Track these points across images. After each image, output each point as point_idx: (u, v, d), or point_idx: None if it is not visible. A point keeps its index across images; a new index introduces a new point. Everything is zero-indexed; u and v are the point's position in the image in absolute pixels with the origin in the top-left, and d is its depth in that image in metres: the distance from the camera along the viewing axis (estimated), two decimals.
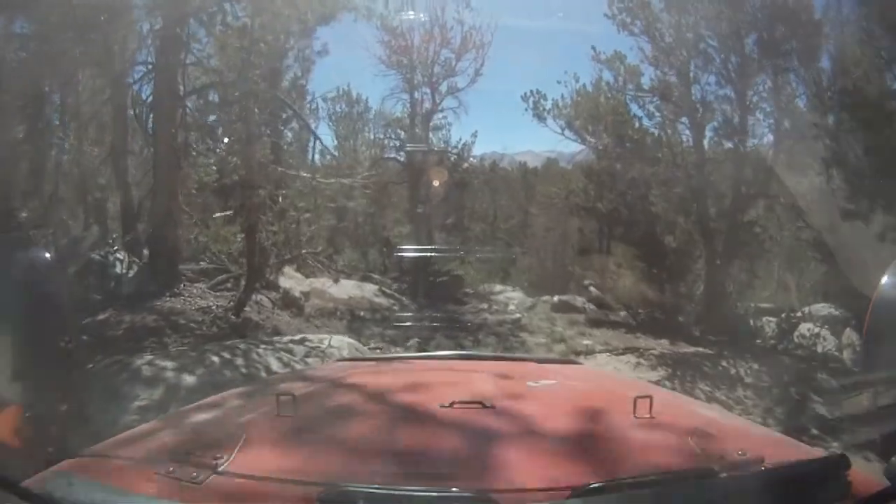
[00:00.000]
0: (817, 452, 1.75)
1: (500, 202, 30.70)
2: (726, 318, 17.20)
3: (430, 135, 22.57)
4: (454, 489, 1.42)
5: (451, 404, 2.04)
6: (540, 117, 19.10)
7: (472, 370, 3.02)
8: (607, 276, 20.29)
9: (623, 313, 19.10)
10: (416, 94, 21.99)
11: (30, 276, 1.74)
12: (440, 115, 22.47)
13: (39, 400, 1.66)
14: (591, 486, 1.40)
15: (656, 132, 18.74)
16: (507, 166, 32.16)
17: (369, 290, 18.96)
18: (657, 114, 18.74)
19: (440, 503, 1.40)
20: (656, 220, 18.73)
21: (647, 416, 1.93)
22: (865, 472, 1.55)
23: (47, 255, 1.82)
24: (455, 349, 12.82)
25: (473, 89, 21.79)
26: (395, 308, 17.82)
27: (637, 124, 18.83)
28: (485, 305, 19.92)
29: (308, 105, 22.62)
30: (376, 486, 1.42)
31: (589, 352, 14.38)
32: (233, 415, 2.08)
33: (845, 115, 15.81)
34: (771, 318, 18.02)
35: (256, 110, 13.22)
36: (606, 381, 3.36)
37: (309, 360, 8.66)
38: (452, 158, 23.50)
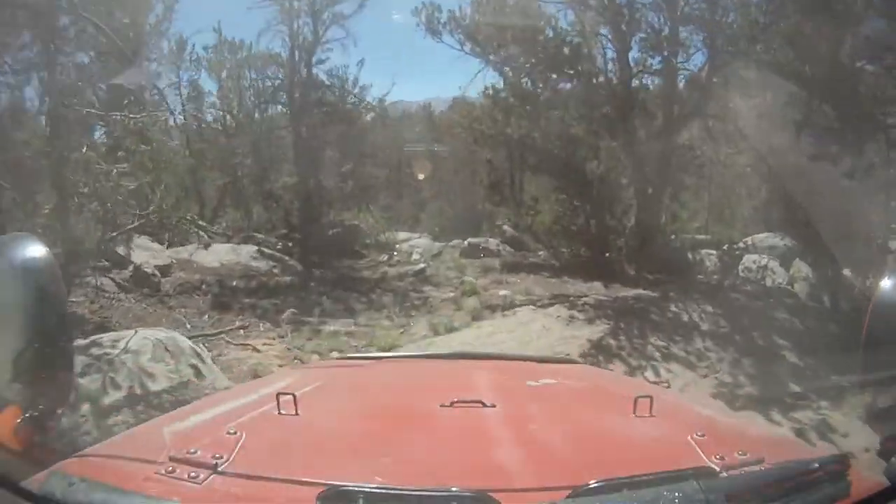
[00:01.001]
0: (817, 452, 1.77)
1: (404, 146, 28.95)
2: (662, 253, 16.08)
3: (317, 72, 19.76)
4: (454, 489, 1.41)
5: (452, 404, 2.04)
6: (434, 32, 17.04)
7: (472, 370, 3.06)
8: (523, 213, 18.52)
9: (543, 254, 17.62)
10: (297, 26, 18.89)
11: (29, 275, 1.74)
12: (326, 48, 19.51)
13: (39, 400, 1.65)
14: (591, 486, 1.40)
15: (574, 42, 16.19)
16: (412, 110, 30.78)
17: (247, 252, 16.46)
18: (575, 22, 16.50)
19: (440, 503, 1.40)
20: (576, 145, 16.56)
21: (647, 415, 1.94)
22: (865, 472, 1.56)
23: (46, 253, 1.78)
24: (344, 314, 12.32)
25: (363, 15, 19.86)
26: (276, 271, 15.67)
27: (551, 34, 16.34)
28: (385, 257, 18.37)
29: (171, 46, 20.76)
30: (376, 486, 1.42)
31: (508, 305, 12.66)
32: (233, 414, 2.06)
33: (785, 27, 15.27)
34: (711, 251, 17.26)
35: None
36: (606, 381, 3.39)
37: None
38: (348, 99, 20.97)
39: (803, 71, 15.67)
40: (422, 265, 16.69)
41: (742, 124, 17.70)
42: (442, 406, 2.04)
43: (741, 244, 17.48)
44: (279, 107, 21.46)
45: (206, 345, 9.77)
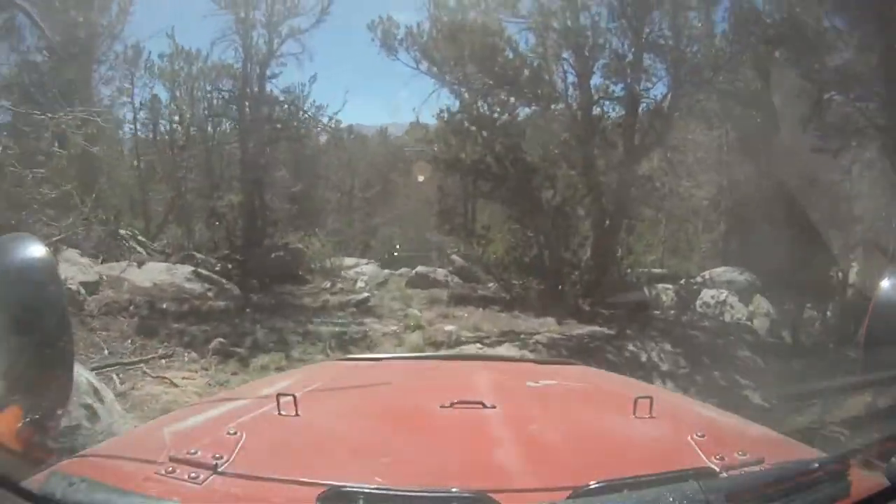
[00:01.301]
0: (817, 452, 1.75)
1: (358, 169, 28.27)
2: (618, 288, 15.57)
3: (270, 87, 18.85)
4: (454, 489, 1.41)
5: (452, 404, 2.04)
6: (390, 48, 16.30)
7: (472, 370, 3.07)
8: (473, 242, 17.21)
9: (494, 286, 16.65)
10: (252, 37, 18.02)
11: (29, 275, 1.74)
12: (280, 63, 18.65)
13: (39, 400, 1.63)
14: (591, 487, 1.40)
15: (534, 65, 15.67)
16: (370, 134, 29.70)
17: (182, 273, 15.28)
18: (536, 44, 15.88)
19: (440, 503, 1.40)
20: (532, 173, 15.78)
21: (647, 416, 1.94)
22: (865, 473, 1.56)
23: (46, 253, 1.78)
24: (277, 346, 11.59)
25: (320, 31, 18.44)
26: (210, 295, 14.49)
27: (511, 55, 15.69)
28: (328, 284, 17.36)
29: (124, 53, 19.55)
30: (376, 486, 1.42)
31: (453, 342, 11.80)
32: (233, 415, 2.06)
33: (750, 57, 15.17)
34: (668, 286, 16.81)
35: None
36: (606, 381, 3.38)
37: None
38: (300, 117, 20.18)
39: (768, 102, 15.61)
40: (365, 294, 15.79)
41: (702, 156, 18.02)
42: (442, 407, 2.04)
43: (699, 278, 17.10)
44: (229, 121, 20.43)
45: (121, 376, 9.31)
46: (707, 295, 15.82)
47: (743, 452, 1.67)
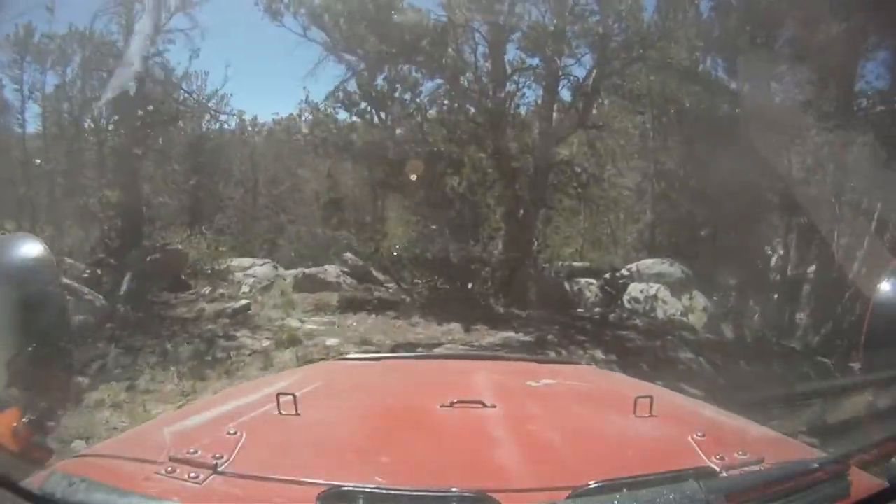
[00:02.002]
0: (817, 452, 1.77)
1: (263, 163, 25.63)
2: (535, 285, 14.44)
3: (153, 66, 16.37)
4: (454, 489, 1.42)
5: (452, 404, 2.05)
6: (275, 14, 13.99)
7: (472, 370, 3.07)
8: (366, 238, 15.40)
9: (393, 287, 14.70)
10: (137, 8, 15.74)
11: (29, 274, 1.74)
12: (167, 40, 16.38)
13: (39, 400, 1.64)
14: (591, 487, 1.41)
15: (438, 30, 13.64)
16: (274, 127, 24.88)
17: None
18: (441, 5, 13.80)
19: (440, 503, 1.41)
20: (436, 157, 14.12)
21: (647, 415, 1.95)
22: (865, 473, 1.57)
23: (46, 253, 1.78)
24: (126, 373, 9.57)
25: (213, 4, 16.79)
26: (68, 307, 11.95)
27: (411, 17, 13.59)
28: (208, 290, 14.94)
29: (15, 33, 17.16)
30: (376, 486, 1.43)
31: (340, 358, 9.04)
32: (233, 414, 2.07)
33: (688, 32, 14.35)
34: (591, 280, 15.62)
35: None
36: (606, 381, 3.40)
37: None
38: (190, 102, 18.16)
39: (707, 81, 14.82)
40: (244, 301, 13.62)
41: (629, 139, 17.20)
42: (442, 406, 2.05)
43: (625, 272, 15.70)
44: (106, 107, 17.29)
45: None
46: (635, 289, 14.75)
47: (743, 452, 1.67)
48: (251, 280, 15.81)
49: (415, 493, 1.41)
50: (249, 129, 24.05)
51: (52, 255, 1.79)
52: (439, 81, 15.05)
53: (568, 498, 1.40)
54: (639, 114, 16.90)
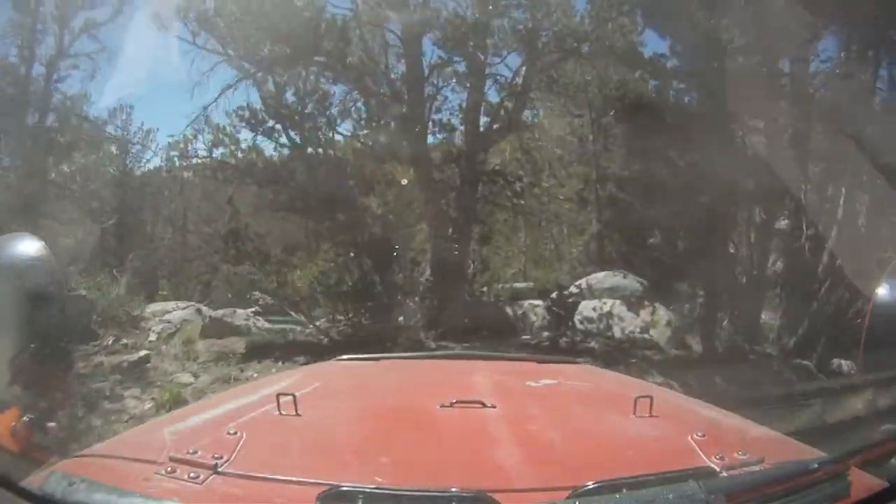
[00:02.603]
0: (817, 452, 1.77)
1: (191, 198, 22.39)
2: (472, 313, 12.67)
3: (56, 90, 15.03)
4: (454, 489, 1.42)
5: (452, 404, 2.06)
6: (162, 20, 12.92)
7: (472, 370, 3.08)
8: (270, 270, 13.14)
9: (310, 328, 12.84)
10: (39, 32, 14.31)
11: (29, 274, 1.75)
12: (69, 64, 14.94)
13: (39, 400, 1.67)
14: (591, 487, 1.41)
15: (341, 27, 12.15)
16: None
17: None
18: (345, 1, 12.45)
19: (440, 503, 1.41)
20: (347, 173, 13.00)
21: (647, 415, 1.96)
22: (865, 473, 1.57)
23: (47, 253, 1.80)
24: None
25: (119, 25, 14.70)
26: None
27: (308, 14, 11.94)
28: (111, 340, 12.64)
29: None
30: (376, 486, 1.44)
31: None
32: (233, 415, 2.08)
33: (623, 26, 13.44)
34: (535, 302, 14.21)
35: None
36: (606, 381, 3.38)
37: None
38: (104, 133, 17.12)
39: (652, 68, 13.68)
40: (144, 353, 11.95)
41: (568, 142, 16.26)
42: (442, 406, 2.06)
43: (573, 289, 14.19)
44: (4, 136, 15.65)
45: None
46: (587, 308, 13.38)
47: (743, 452, 1.67)
48: (160, 327, 13.94)
49: (415, 493, 1.42)
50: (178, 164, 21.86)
51: (52, 255, 1.79)
52: (348, 86, 13.54)
53: (568, 498, 1.40)
54: (576, 116, 15.94)
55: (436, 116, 13.59)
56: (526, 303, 14.24)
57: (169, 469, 1.54)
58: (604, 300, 13.32)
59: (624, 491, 1.39)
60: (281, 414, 1.92)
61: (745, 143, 12.97)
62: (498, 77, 13.79)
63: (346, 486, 1.40)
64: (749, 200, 12.96)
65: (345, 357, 3.56)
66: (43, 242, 1.76)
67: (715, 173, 11.33)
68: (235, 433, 1.74)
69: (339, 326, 12.49)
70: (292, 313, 13.17)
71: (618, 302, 13.20)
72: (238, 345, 12.11)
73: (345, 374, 3.09)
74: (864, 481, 1.53)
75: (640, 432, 1.91)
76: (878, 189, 11.50)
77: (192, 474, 1.52)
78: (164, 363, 11.76)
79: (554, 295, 13.91)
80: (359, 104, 13.94)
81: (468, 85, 13.49)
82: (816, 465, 1.52)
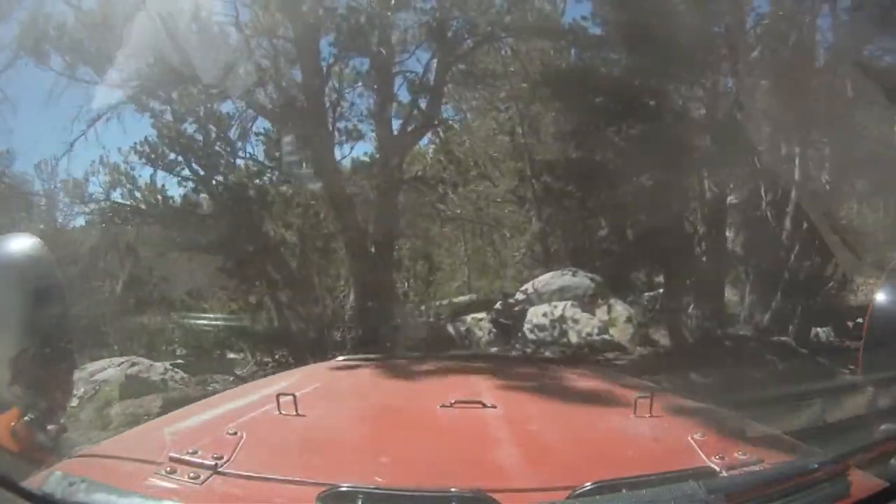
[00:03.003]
0: (817, 453, 1.77)
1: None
2: (408, 335, 11.37)
3: None
4: (454, 489, 1.44)
5: (452, 404, 2.08)
6: (40, 54, 11.17)
7: (472, 370, 3.10)
8: (183, 317, 12.17)
9: (232, 377, 11.07)
10: None
11: (30, 274, 1.76)
12: None
13: (39, 400, 1.67)
14: (591, 487, 1.43)
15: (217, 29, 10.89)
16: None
17: None
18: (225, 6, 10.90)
19: (440, 503, 1.43)
20: (249, 200, 11.50)
21: (647, 416, 1.97)
22: (865, 473, 1.57)
23: (47, 254, 1.83)
24: None
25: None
26: None
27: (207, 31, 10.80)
28: None
29: None
30: (376, 486, 1.45)
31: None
32: (233, 415, 2.08)
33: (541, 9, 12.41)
34: (479, 315, 12.78)
35: None
36: (607, 381, 3.34)
37: None
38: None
39: (587, 42, 12.03)
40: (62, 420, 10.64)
41: (498, 140, 15.03)
42: (442, 406, 2.07)
43: (519, 295, 12.89)
44: None
45: None
46: (536, 314, 12.00)
47: (743, 452, 1.68)
48: (83, 389, 11.88)
49: (415, 493, 1.43)
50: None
51: (53, 255, 1.83)
52: (238, 106, 12.07)
53: (568, 498, 1.41)
54: (502, 111, 14.95)
55: (341, 124, 12.04)
56: (469, 317, 13.08)
57: (169, 469, 1.55)
58: (554, 303, 12.07)
59: (624, 491, 1.41)
60: (281, 414, 1.93)
61: (686, 109, 11.79)
62: (408, 74, 12.17)
63: (346, 486, 1.41)
64: (699, 172, 11.95)
65: (345, 357, 3.58)
66: (43, 242, 1.79)
67: (658, 147, 10.43)
68: (235, 433, 1.75)
69: (266, 370, 10.70)
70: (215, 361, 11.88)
71: (569, 303, 12.00)
72: (154, 403, 10.84)
73: (345, 375, 3.10)
74: (864, 481, 1.52)
75: (640, 432, 1.92)
76: (835, 143, 11.14)
77: (192, 474, 1.52)
78: (76, 433, 9.85)
79: (498, 305, 12.87)
80: (258, 123, 12.37)
81: (375, 87, 11.98)
82: (816, 465, 1.52)
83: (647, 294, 13.47)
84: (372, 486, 1.43)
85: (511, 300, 12.72)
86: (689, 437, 1.78)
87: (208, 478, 1.52)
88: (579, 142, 12.22)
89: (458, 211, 14.61)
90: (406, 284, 13.39)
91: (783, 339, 10.99)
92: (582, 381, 3.08)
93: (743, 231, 12.84)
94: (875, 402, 1.83)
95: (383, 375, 3.06)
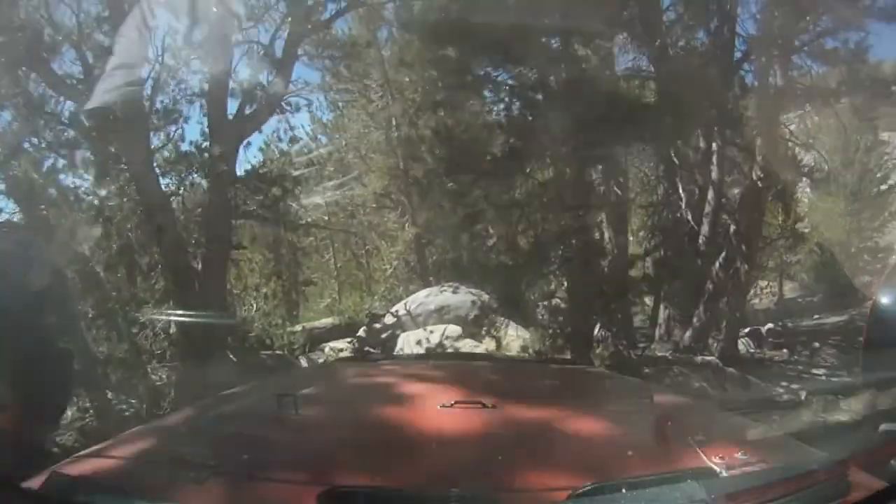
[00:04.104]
0: (817, 452, 1.79)
1: None
2: (242, 376, 7.44)
3: None
4: (454, 489, 1.44)
5: (452, 404, 2.07)
6: None
7: (472, 370, 3.14)
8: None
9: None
10: None
11: (30, 276, 1.75)
12: None
13: (39, 400, 1.72)
14: (591, 487, 1.43)
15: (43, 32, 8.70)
16: None
17: None
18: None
19: (440, 503, 1.43)
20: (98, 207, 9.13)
21: (647, 416, 2.00)
22: (865, 473, 1.58)
23: (47, 255, 1.87)
24: None
25: None
26: None
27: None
28: None
29: None
30: (376, 486, 1.46)
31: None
32: (233, 415, 2.10)
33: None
34: (338, 345, 10.85)
35: None
36: (607, 381, 3.43)
37: None
38: None
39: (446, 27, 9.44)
40: None
41: (368, 134, 13.40)
42: (442, 406, 2.07)
43: (388, 318, 11.10)
44: None
45: None
46: (409, 340, 9.96)
47: (743, 452, 1.67)
48: None
49: (415, 494, 1.44)
50: None
51: (54, 255, 1.86)
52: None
53: (568, 498, 1.40)
54: (371, 100, 13.14)
55: (160, 102, 9.87)
56: (327, 347, 10.92)
57: (169, 469, 1.56)
58: (430, 328, 10.20)
59: (624, 491, 1.41)
60: (281, 414, 1.93)
61: (581, 83, 9.25)
62: (254, 44, 10.23)
63: (346, 486, 1.41)
64: (603, 162, 10.37)
65: (344, 357, 3.52)
66: (43, 243, 1.72)
67: (552, 132, 8.69)
68: (235, 433, 1.78)
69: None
70: None
71: (450, 326, 10.13)
72: None
73: (345, 374, 3.10)
74: (864, 481, 1.53)
75: (640, 432, 1.93)
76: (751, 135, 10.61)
77: (192, 474, 1.51)
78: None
79: (362, 331, 10.96)
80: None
81: (211, 61, 9.55)
82: (816, 465, 1.55)
83: (545, 315, 10.56)
84: (372, 486, 1.43)
85: (377, 325, 11.00)
86: (689, 437, 1.78)
87: (208, 478, 1.51)
88: (457, 128, 10.18)
89: (326, 217, 12.98)
90: (254, 307, 10.83)
91: (707, 358, 9.93)
92: (582, 381, 3.13)
93: (658, 234, 11.94)
94: (875, 402, 1.91)
95: (383, 375, 3.05)
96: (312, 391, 2.45)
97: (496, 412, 2.08)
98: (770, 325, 15.08)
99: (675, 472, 1.51)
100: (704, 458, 1.65)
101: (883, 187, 25.18)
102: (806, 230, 17.65)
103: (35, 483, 1.47)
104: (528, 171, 9.70)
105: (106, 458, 1.73)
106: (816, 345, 12.95)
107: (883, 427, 1.72)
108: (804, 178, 12.76)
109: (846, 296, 18.43)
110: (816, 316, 17.83)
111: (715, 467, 1.59)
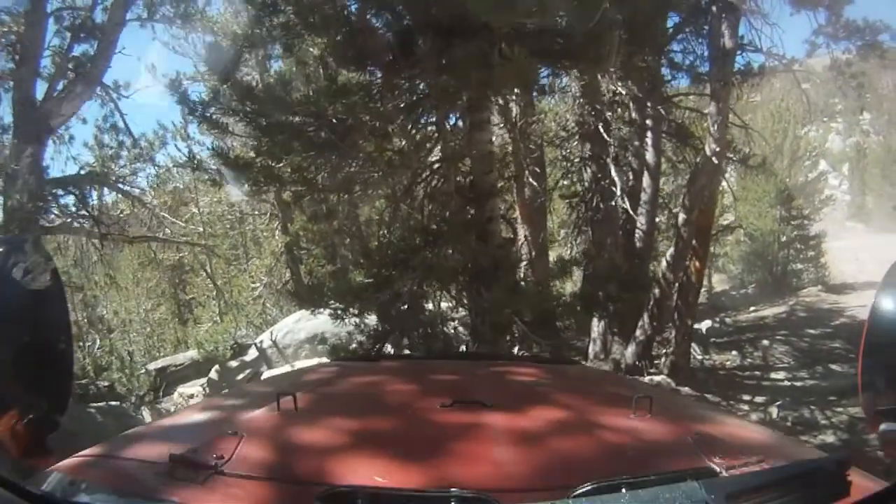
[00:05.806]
0: (817, 452, 1.81)
1: None
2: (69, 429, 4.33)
3: None
4: (454, 489, 1.43)
5: (452, 404, 2.06)
6: None
7: (472, 370, 3.10)
8: None
9: None
10: None
11: (29, 275, 1.73)
12: None
13: (39, 402, 1.66)
14: (591, 486, 1.43)
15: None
16: None
17: None
18: None
19: (440, 503, 1.42)
20: None
21: (647, 415, 1.96)
22: (865, 473, 1.59)
23: (45, 255, 1.81)
24: None
25: None
26: None
27: None
28: None
29: None
30: (376, 486, 1.46)
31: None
32: (233, 415, 2.08)
33: None
34: (188, 390, 9.80)
35: None
36: (606, 381, 3.44)
37: None
38: None
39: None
40: None
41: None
42: (442, 406, 2.06)
43: (252, 351, 9.97)
44: None
45: None
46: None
47: (743, 452, 1.69)
48: None
49: (415, 494, 1.44)
50: None
51: (52, 259, 1.81)
52: None
53: (568, 498, 1.41)
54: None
55: None
56: (176, 393, 9.59)
57: (169, 469, 1.54)
58: (301, 362, 8.94)
59: (623, 491, 1.41)
60: (281, 414, 1.93)
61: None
62: (69, 12, 8.78)
63: (346, 486, 1.42)
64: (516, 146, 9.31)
65: (344, 357, 3.42)
66: (43, 243, 1.66)
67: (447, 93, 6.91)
68: (236, 433, 1.75)
69: None
70: None
71: (325, 361, 7.36)
72: None
73: (345, 374, 3.07)
74: (864, 481, 1.54)
75: (639, 432, 1.92)
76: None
77: (192, 474, 1.52)
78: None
79: (214, 372, 9.45)
80: None
81: (23, 26, 8.32)
82: (816, 465, 1.57)
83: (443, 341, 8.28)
84: (372, 486, 1.43)
85: (234, 363, 9.56)
86: (689, 437, 1.80)
87: (208, 478, 1.52)
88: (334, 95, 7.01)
89: (182, 224, 11.34)
90: (91, 344, 9.45)
91: (657, 378, 8.99)
92: (582, 381, 3.11)
93: (588, 233, 10.82)
94: (874, 403, 1.93)
95: (383, 375, 3.03)
96: (312, 391, 2.42)
97: (496, 412, 2.07)
98: (709, 323, 15.01)
99: (675, 472, 1.51)
100: (704, 458, 1.66)
101: (811, 175, 26.60)
102: (734, 220, 18.73)
103: (35, 483, 1.48)
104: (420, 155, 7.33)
105: (106, 458, 1.74)
106: (766, 343, 13.05)
107: (883, 427, 1.72)
108: (738, 163, 12.36)
109: (779, 285, 19.48)
110: (753, 308, 17.96)
111: (715, 467, 1.60)
